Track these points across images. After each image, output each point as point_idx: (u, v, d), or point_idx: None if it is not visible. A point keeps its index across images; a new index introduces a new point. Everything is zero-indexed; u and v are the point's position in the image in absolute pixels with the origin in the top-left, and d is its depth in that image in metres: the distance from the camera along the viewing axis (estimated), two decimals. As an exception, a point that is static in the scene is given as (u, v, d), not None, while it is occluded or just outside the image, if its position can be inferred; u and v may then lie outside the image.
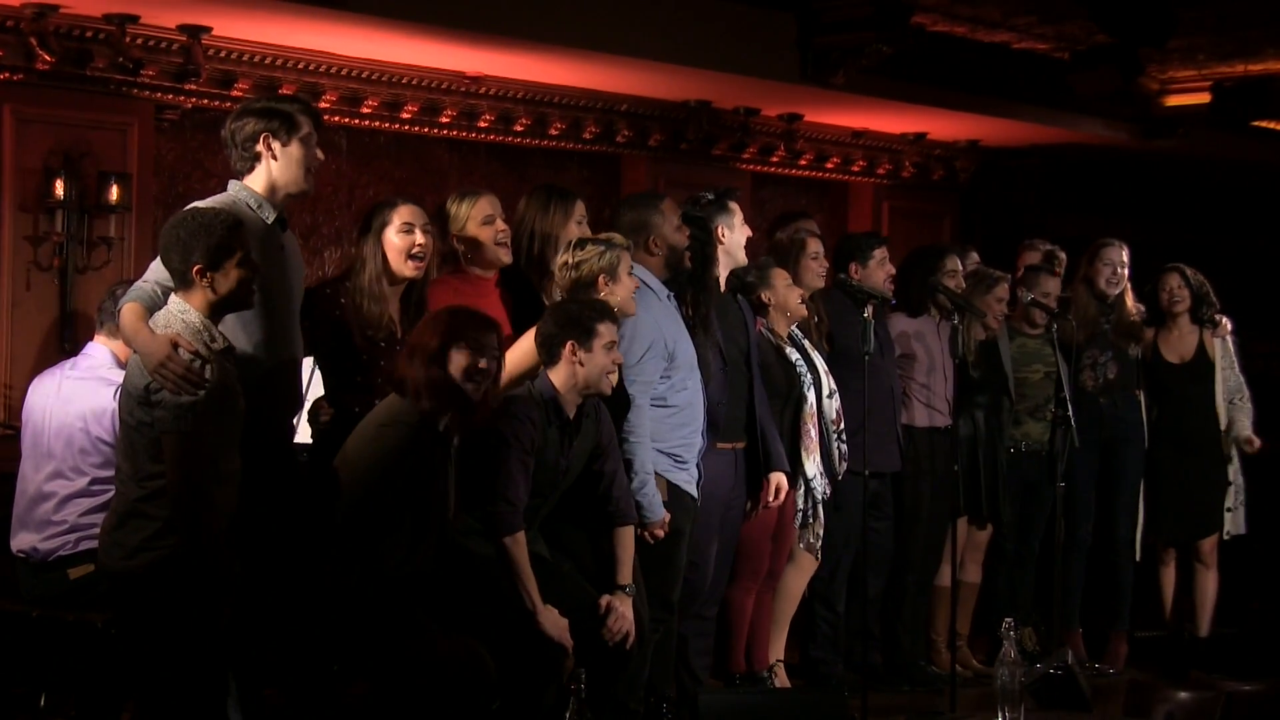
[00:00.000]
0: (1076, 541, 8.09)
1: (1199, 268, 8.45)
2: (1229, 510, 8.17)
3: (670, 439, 6.09)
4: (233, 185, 5.12)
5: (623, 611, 5.61)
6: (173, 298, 4.72)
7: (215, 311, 4.71)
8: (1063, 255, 8.58)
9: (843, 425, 7.04)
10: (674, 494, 6.09)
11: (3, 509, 5.99)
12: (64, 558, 5.61)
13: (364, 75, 8.25)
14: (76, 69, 7.34)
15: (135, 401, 4.61)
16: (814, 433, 6.88)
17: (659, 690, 6.19)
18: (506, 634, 5.35)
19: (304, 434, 5.96)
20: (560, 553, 5.72)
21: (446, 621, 5.25)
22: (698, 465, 6.22)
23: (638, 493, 5.90)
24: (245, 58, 7.83)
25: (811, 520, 6.90)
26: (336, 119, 8.29)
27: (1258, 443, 8.14)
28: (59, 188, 7.29)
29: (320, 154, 5.20)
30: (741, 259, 6.71)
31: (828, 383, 7.02)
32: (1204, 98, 10.11)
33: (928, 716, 7.01)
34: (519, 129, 8.91)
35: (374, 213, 5.72)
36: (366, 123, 8.45)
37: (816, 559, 7.03)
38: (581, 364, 5.55)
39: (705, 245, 6.41)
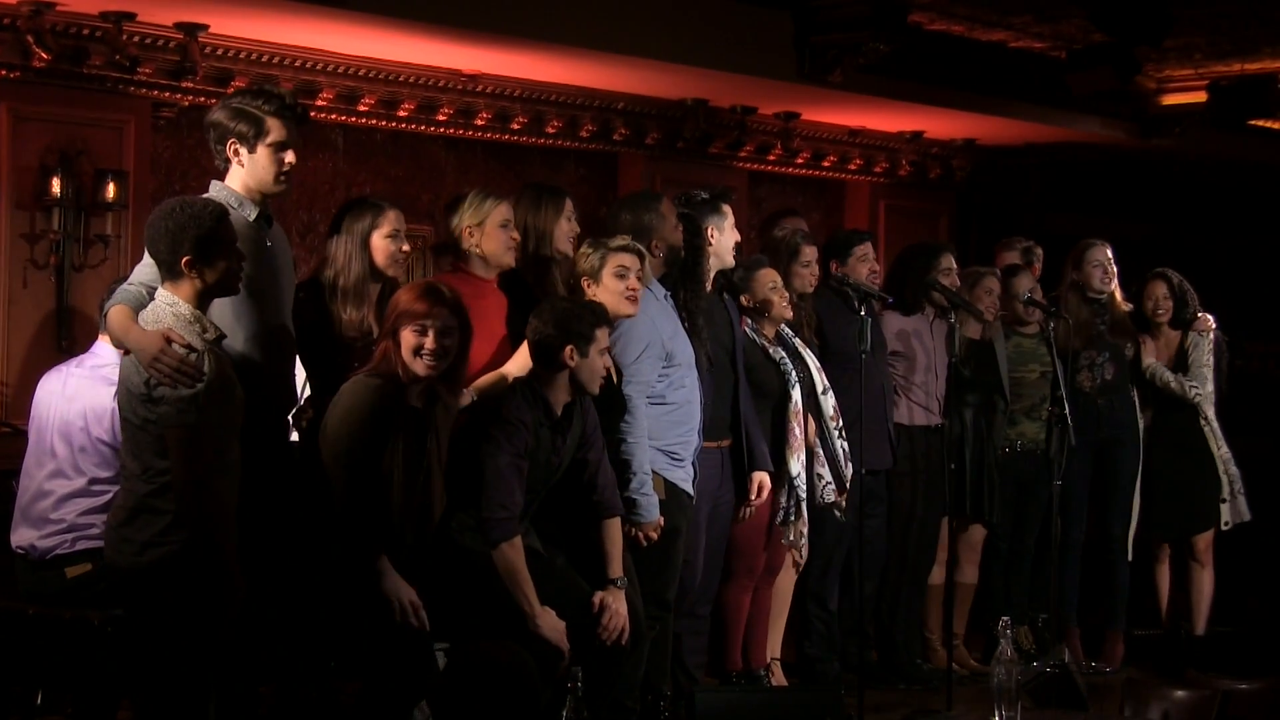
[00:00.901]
0: (1071, 540, 8.10)
1: (1195, 266, 8.46)
2: (1224, 501, 8.18)
3: (667, 437, 6.09)
4: (214, 186, 5.13)
5: (616, 608, 5.61)
6: (160, 290, 4.72)
7: (203, 300, 4.72)
8: (1039, 251, 8.58)
9: (840, 422, 7.04)
10: (671, 492, 6.10)
11: (1, 507, 5.99)
12: (61, 556, 5.61)
13: (361, 73, 8.25)
14: (73, 67, 7.35)
15: (137, 400, 4.61)
16: (798, 431, 6.88)
17: (655, 688, 6.20)
18: (503, 634, 5.35)
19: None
20: (552, 545, 5.72)
21: (443, 622, 5.26)
22: (693, 464, 6.22)
23: (635, 493, 5.90)
24: (242, 55, 7.83)
25: (794, 519, 6.89)
26: (333, 117, 8.30)
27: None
28: (55, 185, 7.30)
29: (292, 158, 5.13)
30: (729, 262, 6.69)
31: (820, 380, 7.01)
32: (1200, 97, 10.12)
33: (924, 715, 7.01)
34: (516, 127, 8.91)
35: (353, 214, 5.70)
36: (363, 120, 8.45)
37: (801, 557, 7.03)
38: (578, 367, 5.56)
39: (695, 238, 6.41)
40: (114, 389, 5.41)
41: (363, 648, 5.16)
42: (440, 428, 5.31)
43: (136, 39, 7.44)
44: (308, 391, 5.76)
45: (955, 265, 7.75)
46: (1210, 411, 8.17)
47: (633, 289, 5.90)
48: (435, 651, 5.30)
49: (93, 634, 5.36)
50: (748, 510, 6.67)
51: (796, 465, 6.86)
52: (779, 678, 7.12)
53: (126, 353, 4.71)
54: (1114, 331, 8.17)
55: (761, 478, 6.67)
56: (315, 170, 8.50)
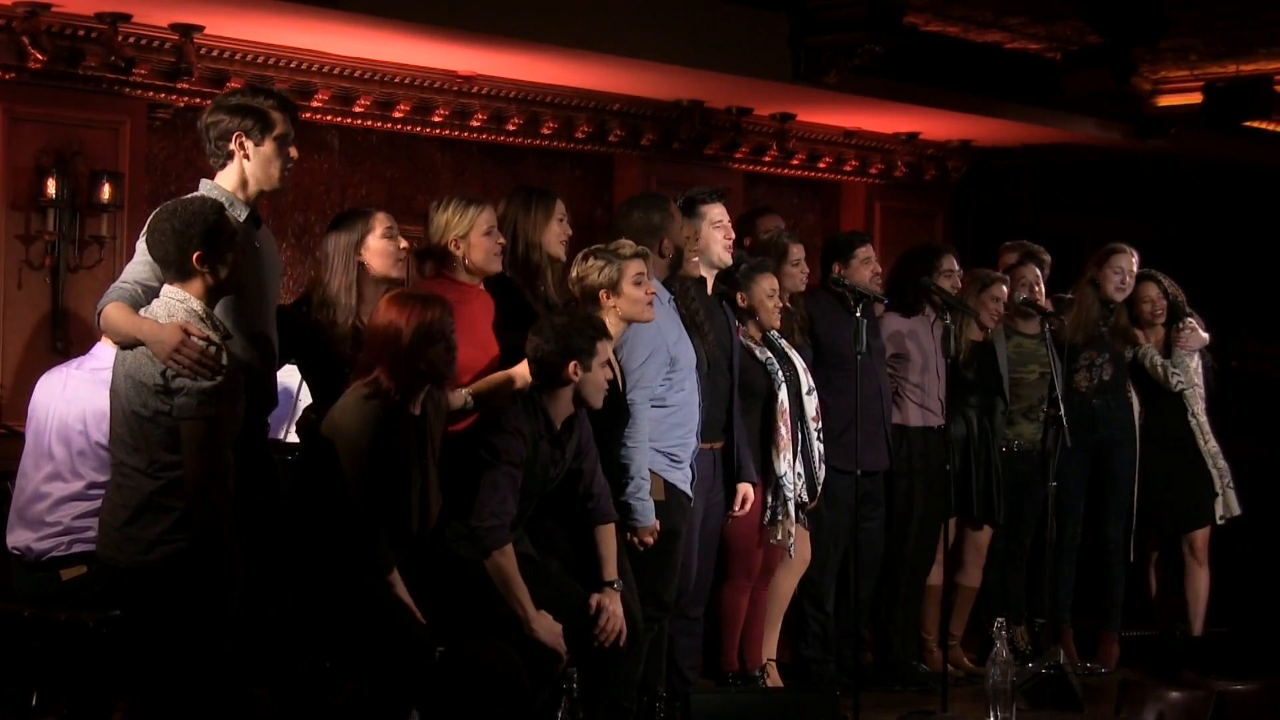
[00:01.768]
0: (1066, 541, 8.10)
1: (1190, 267, 8.48)
2: (1216, 496, 8.19)
3: (667, 439, 6.09)
4: (204, 185, 5.12)
5: (613, 610, 5.62)
6: (167, 288, 4.71)
7: (211, 297, 4.73)
8: (1047, 257, 8.59)
9: (820, 424, 7.04)
10: (670, 493, 6.10)
11: (-1, 508, 6.01)
12: (57, 558, 5.60)
13: (356, 74, 8.24)
14: (69, 68, 7.34)
15: (151, 392, 4.60)
16: (784, 431, 6.88)
17: (651, 689, 6.20)
18: (500, 640, 5.37)
19: (292, 434, 5.98)
20: (545, 550, 5.72)
21: (440, 629, 5.26)
22: (691, 465, 6.22)
23: (631, 497, 5.90)
24: (237, 56, 7.83)
25: (781, 518, 6.89)
26: (328, 118, 8.29)
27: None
28: (51, 186, 7.30)
29: (295, 152, 5.16)
30: (717, 258, 6.65)
31: (806, 380, 7.02)
32: (1195, 98, 10.12)
33: (919, 716, 7.01)
34: (511, 128, 8.91)
35: (341, 225, 5.70)
36: (358, 122, 8.45)
37: (790, 556, 7.03)
38: (581, 382, 5.56)
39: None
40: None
41: (361, 649, 5.16)
42: (434, 426, 5.35)
43: (132, 40, 7.44)
44: (304, 396, 5.77)
45: (957, 267, 7.75)
46: (1198, 407, 8.18)
47: (651, 293, 5.91)
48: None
49: (88, 636, 5.36)
50: (727, 516, 6.68)
51: (783, 465, 6.86)
52: (774, 679, 7.12)
53: (125, 347, 4.69)
54: (1115, 334, 8.18)
55: (746, 489, 6.67)
56: (310, 172, 8.50)
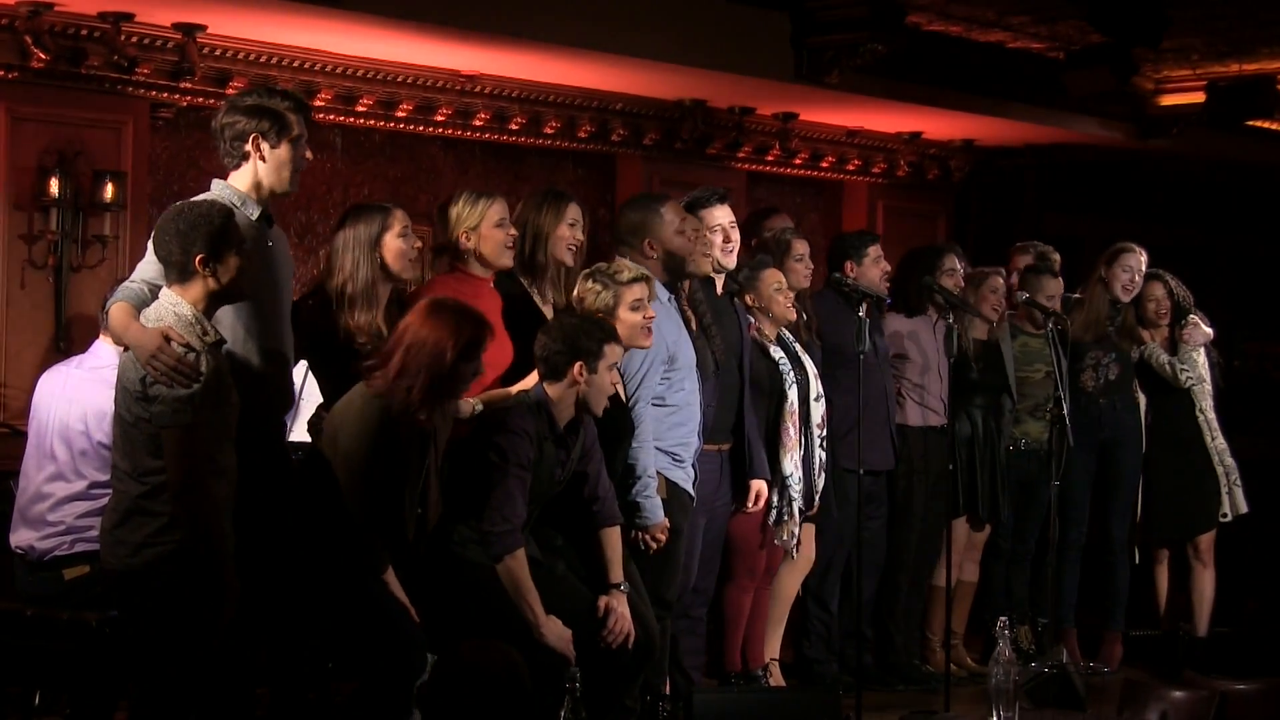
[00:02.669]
0: (1071, 541, 8.10)
1: (1193, 267, 8.48)
2: (1223, 494, 8.18)
3: (668, 438, 6.10)
4: (216, 185, 5.12)
5: (621, 611, 5.62)
6: (164, 291, 4.72)
7: (211, 304, 4.73)
8: (1057, 256, 8.59)
9: (824, 431, 7.04)
10: (672, 492, 6.11)
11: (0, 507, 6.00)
12: (59, 558, 5.61)
13: (359, 74, 8.24)
14: (71, 67, 7.34)
15: (132, 398, 4.61)
16: (793, 432, 6.88)
17: (654, 689, 6.20)
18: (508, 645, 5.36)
19: (299, 433, 5.97)
20: (551, 553, 5.72)
21: (444, 632, 5.26)
22: (693, 465, 6.22)
23: (639, 496, 5.90)
24: (240, 56, 7.82)
25: (786, 518, 6.89)
26: (331, 117, 8.29)
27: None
28: (54, 186, 7.29)
29: (310, 154, 5.18)
30: (715, 259, 6.66)
31: (816, 386, 7.01)
32: (1198, 97, 10.12)
33: (922, 715, 7.01)
34: (514, 128, 8.91)
35: (358, 219, 5.70)
36: (361, 121, 8.45)
37: (794, 557, 7.03)
38: (587, 384, 5.55)
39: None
40: (113, 389, 5.42)
41: (355, 648, 5.16)
42: (439, 433, 5.33)
43: (135, 39, 7.44)
44: (310, 394, 5.76)
45: (960, 266, 7.75)
46: (1206, 403, 8.17)
47: (650, 318, 5.89)
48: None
49: (90, 635, 5.36)
50: (739, 512, 6.67)
51: (790, 465, 6.86)
52: (777, 678, 7.12)
53: (126, 349, 4.71)
54: (1121, 334, 8.18)
55: (760, 485, 6.68)
56: (313, 171, 8.46)
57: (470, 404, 5.56)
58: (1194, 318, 8.20)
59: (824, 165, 10.37)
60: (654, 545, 5.96)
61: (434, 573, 5.44)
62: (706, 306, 6.47)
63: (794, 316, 7.01)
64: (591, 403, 5.60)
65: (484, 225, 5.86)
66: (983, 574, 8.10)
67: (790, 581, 7.18)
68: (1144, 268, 8.16)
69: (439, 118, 8.62)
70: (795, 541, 6.92)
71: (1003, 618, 5.30)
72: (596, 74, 8.62)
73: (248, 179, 5.09)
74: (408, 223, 5.71)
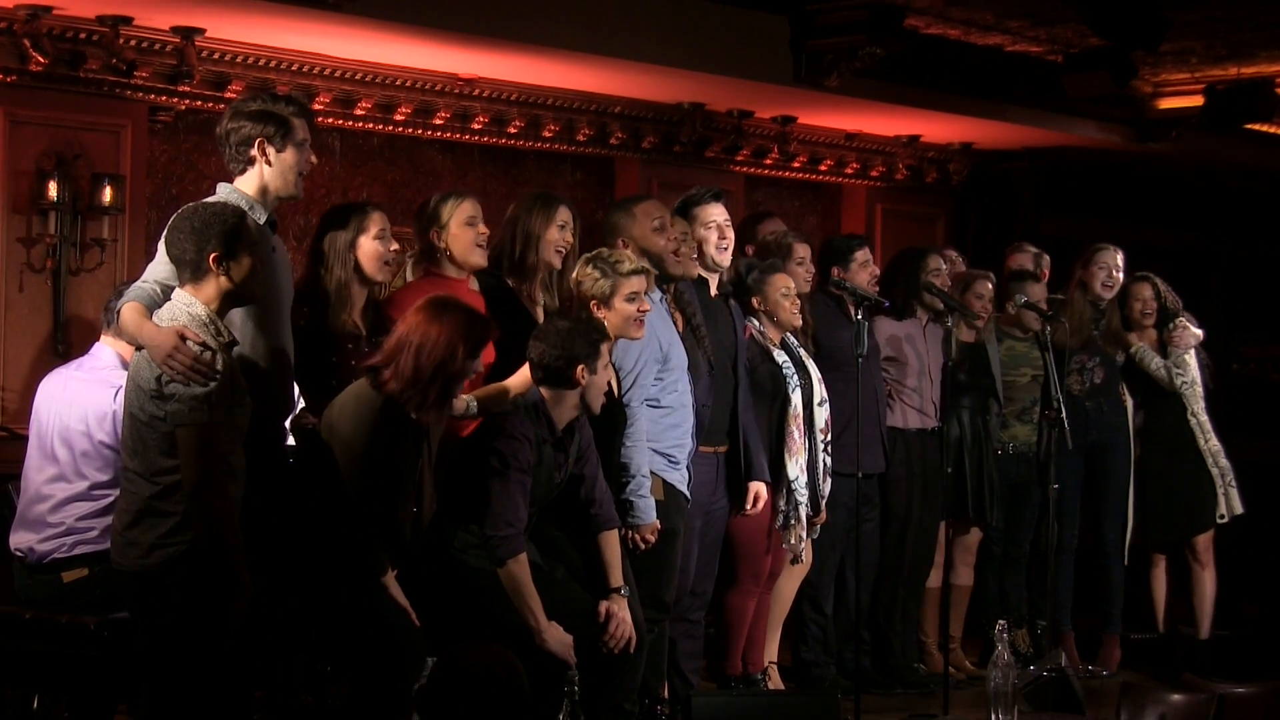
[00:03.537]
0: (1064, 544, 8.10)
1: (1191, 271, 8.48)
2: (1218, 496, 8.18)
3: (663, 439, 6.10)
4: (222, 188, 5.13)
5: (622, 616, 5.62)
6: (177, 292, 4.73)
7: (224, 304, 4.73)
8: (1047, 258, 8.61)
9: (828, 436, 7.04)
10: (669, 493, 6.11)
11: (-1, 510, 6.01)
12: (58, 560, 5.61)
13: (357, 77, 8.24)
14: (70, 71, 7.34)
15: (147, 396, 4.61)
16: (798, 435, 6.88)
17: (652, 692, 6.20)
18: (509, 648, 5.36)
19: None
20: (550, 557, 5.72)
21: (444, 637, 5.25)
22: (688, 467, 6.22)
23: (632, 495, 5.91)
24: (239, 59, 7.82)
25: (793, 522, 6.89)
26: (330, 121, 8.29)
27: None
28: (52, 189, 7.29)
29: (314, 158, 5.21)
30: (710, 259, 6.67)
31: (820, 390, 7.01)
32: (1197, 101, 10.12)
33: (920, 719, 7.01)
34: (512, 131, 8.91)
35: (339, 220, 5.71)
36: (360, 124, 8.45)
37: (799, 561, 7.03)
38: (587, 385, 5.56)
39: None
40: (114, 391, 5.43)
41: (354, 651, 5.16)
42: (433, 431, 5.35)
43: (133, 43, 7.44)
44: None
45: (945, 267, 7.77)
46: (1198, 406, 8.17)
47: (644, 311, 5.89)
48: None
49: (89, 638, 5.36)
50: (738, 515, 6.67)
51: (795, 469, 6.86)
52: (776, 682, 7.12)
53: (139, 349, 4.70)
54: (1106, 338, 8.18)
55: (758, 488, 6.67)
56: (311, 174, 8.30)
57: (464, 400, 5.57)
58: (1182, 320, 8.20)
59: (823, 168, 10.37)
60: (643, 545, 5.96)
61: (434, 578, 5.44)
62: (696, 307, 6.46)
63: (799, 322, 7.02)
64: (591, 401, 5.61)
65: (452, 224, 5.87)
66: (978, 578, 8.10)
67: (789, 585, 7.18)
68: (1121, 265, 8.16)
69: (437, 121, 8.62)
70: (803, 545, 6.93)
71: (1001, 621, 5.30)
72: (595, 77, 8.62)
73: (254, 183, 5.10)
74: (385, 224, 5.71)
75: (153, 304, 4.76)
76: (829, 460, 7.04)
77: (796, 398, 6.89)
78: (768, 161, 9.98)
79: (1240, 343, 11.89)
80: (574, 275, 5.94)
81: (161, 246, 4.86)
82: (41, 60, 7.19)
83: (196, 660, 4.68)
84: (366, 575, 5.17)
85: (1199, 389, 8.19)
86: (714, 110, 9.45)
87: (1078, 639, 8.23)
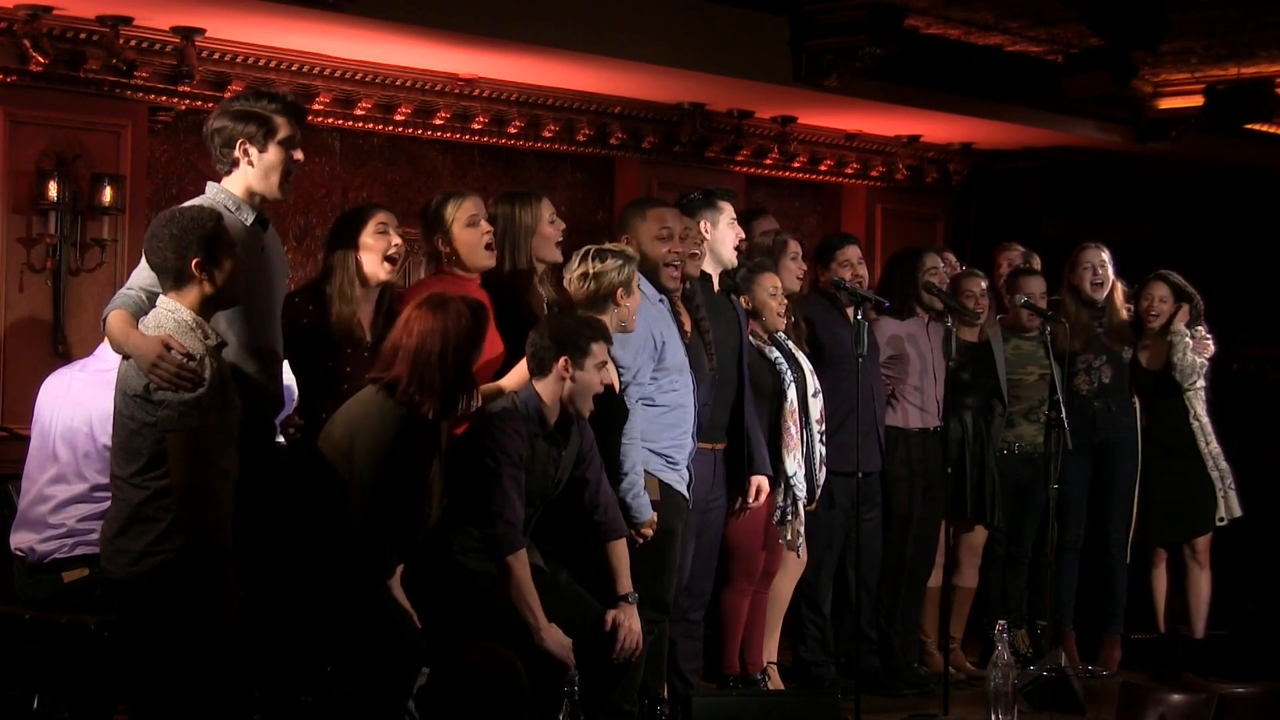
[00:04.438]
0: (1068, 544, 8.10)
1: (1191, 271, 8.46)
2: (1218, 498, 8.18)
3: (661, 439, 6.10)
4: (210, 188, 5.13)
5: (630, 625, 5.62)
6: (161, 298, 4.73)
7: (207, 308, 4.73)
8: (1037, 257, 8.61)
9: (824, 427, 7.05)
10: (666, 493, 6.11)
11: (-1, 510, 6.01)
12: (59, 561, 5.60)
13: (357, 77, 8.24)
14: (70, 71, 7.34)
15: (135, 404, 4.62)
16: (794, 430, 6.89)
17: (652, 693, 6.20)
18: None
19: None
20: (555, 561, 5.72)
21: (444, 639, 5.25)
22: (688, 467, 6.22)
23: (626, 494, 5.91)
24: (239, 60, 7.83)
25: (791, 518, 6.90)
26: (330, 121, 8.29)
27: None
28: (52, 189, 7.29)
29: (300, 155, 5.16)
30: (728, 258, 6.73)
31: (813, 382, 7.02)
32: (1196, 101, 10.12)
33: (920, 719, 7.01)
34: (512, 131, 8.91)
35: (344, 223, 5.71)
36: (360, 125, 8.45)
37: (799, 556, 7.04)
38: (572, 380, 5.55)
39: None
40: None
41: (357, 652, 5.16)
42: (445, 432, 5.34)
43: (133, 43, 7.44)
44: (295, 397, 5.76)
45: (942, 265, 7.78)
46: (1200, 409, 8.17)
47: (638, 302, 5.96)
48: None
49: (89, 638, 5.36)
50: (742, 505, 6.67)
51: (793, 464, 6.87)
52: (775, 682, 7.12)
53: (126, 357, 4.71)
54: (1110, 335, 8.17)
55: (760, 481, 6.68)
56: (311, 174, 8.50)
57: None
58: (1203, 330, 8.20)
59: (823, 168, 10.37)
60: (639, 540, 5.96)
61: (434, 581, 5.44)
62: (704, 311, 6.47)
63: (782, 325, 7.01)
64: (578, 401, 5.59)
65: (454, 227, 5.86)
66: (980, 578, 8.10)
67: (785, 584, 7.18)
68: (1107, 262, 8.14)
69: (437, 121, 8.62)
70: (800, 540, 6.93)
71: (1001, 621, 5.30)
72: (595, 77, 8.62)
73: (240, 184, 5.10)
74: (385, 219, 5.67)
75: (139, 311, 4.77)
76: (824, 450, 7.05)
77: (791, 393, 6.90)
78: (768, 161, 9.98)
79: (1240, 343, 11.88)
80: (585, 269, 5.90)
81: (145, 253, 4.86)
82: (41, 60, 7.19)
83: (186, 665, 4.68)
84: (373, 578, 5.17)
85: (1203, 393, 8.19)
86: (714, 110, 9.45)
87: (1078, 639, 8.23)
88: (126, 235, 7.49)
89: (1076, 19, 8.68)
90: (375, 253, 5.63)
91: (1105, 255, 8.16)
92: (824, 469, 7.06)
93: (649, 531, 5.98)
